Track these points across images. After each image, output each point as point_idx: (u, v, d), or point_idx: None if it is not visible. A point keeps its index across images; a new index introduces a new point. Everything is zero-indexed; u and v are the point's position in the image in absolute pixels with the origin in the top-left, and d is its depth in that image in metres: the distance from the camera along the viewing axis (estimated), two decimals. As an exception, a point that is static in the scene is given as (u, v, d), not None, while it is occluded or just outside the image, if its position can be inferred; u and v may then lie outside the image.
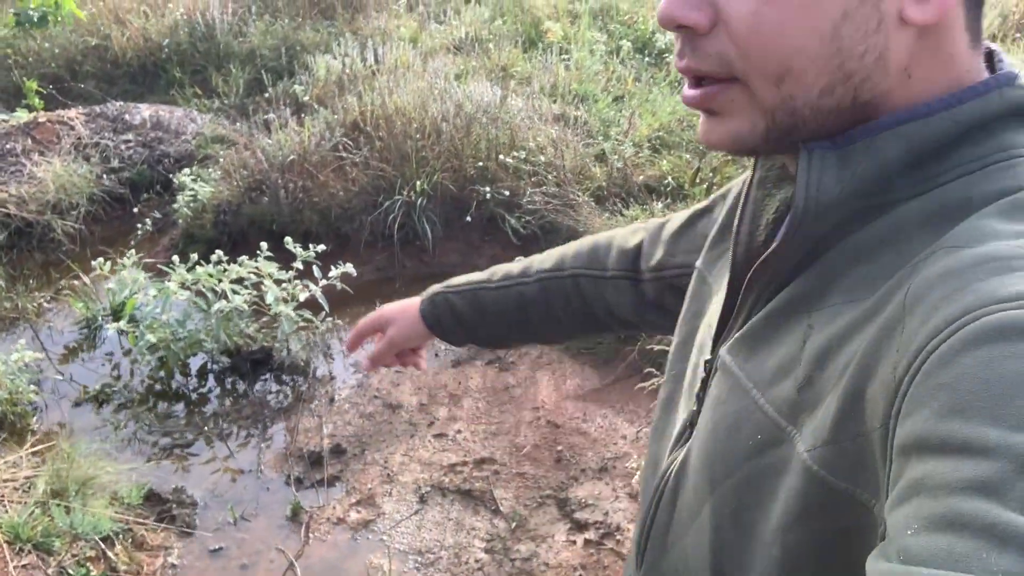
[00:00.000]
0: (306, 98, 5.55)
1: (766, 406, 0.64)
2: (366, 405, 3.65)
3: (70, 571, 2.62)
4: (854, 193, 0.61)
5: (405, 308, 1.27)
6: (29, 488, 2.91)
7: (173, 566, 2.89)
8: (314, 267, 3.84)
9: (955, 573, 0.42)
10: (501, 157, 4.66)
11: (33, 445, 3.37)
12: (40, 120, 5.44)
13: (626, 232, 1.15)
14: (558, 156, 4.66)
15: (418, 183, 4.62)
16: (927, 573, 0.43)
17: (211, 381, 3.91)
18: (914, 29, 0.59)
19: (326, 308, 3.83)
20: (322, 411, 3.63)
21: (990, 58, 0.66)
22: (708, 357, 0.77)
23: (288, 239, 3.94)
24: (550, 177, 4.60)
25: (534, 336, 1.28)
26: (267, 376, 3.91)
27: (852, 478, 0.55)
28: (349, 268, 3.81)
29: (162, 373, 3.87)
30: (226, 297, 3.80)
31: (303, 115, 5.28)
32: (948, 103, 0.60)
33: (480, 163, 4.69)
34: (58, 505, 2.70)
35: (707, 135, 0.67)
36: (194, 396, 3.84)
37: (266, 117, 5.15)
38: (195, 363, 3.96)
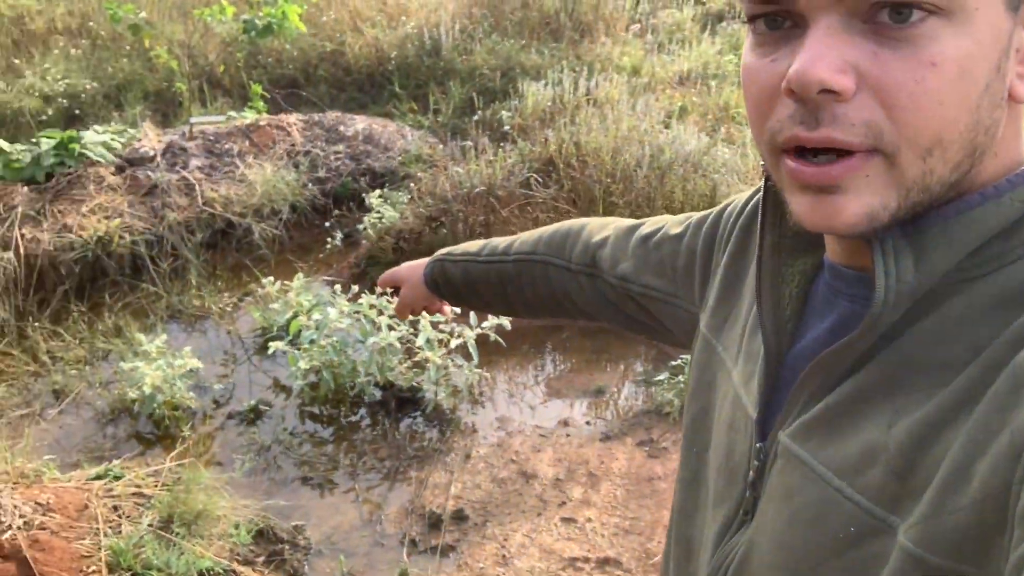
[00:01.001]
0: (506, 127, 5.43)
1: (856, 496, 0.60)
2: (500, 468, 3.44)
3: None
4: (928, 280, 0.60)
5: (414, 269, 1.38)
6: (150, 508, 2.94)
7: (268, 615, 2.82)
8: (471, 312, 3.70)
9: None
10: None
11: (180, 456, 3.45)
12: (260, 123, 5.68)
13: (595, 226, 1.16)
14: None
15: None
16: None
17: (361, 412, 3.86)
18: (1007, 106, 0.59)
19: (475, 358, 3.66)
20: (455, 467, 3.47)
21: None
22: (759, 443, 0.72)
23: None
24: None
25: (512, 309, 1.35)
26: (412, 416, 3.80)
27: (953, 553, 0.53)
28: (504, 321, 3.62)
29: (314, 396, 3.87)
30: (383, 331, 3.74)
31: (503, 144, 5.16)
32: (1014, 184, 0.60)
33: (672, 216, 4.35)
34: (160, 537, 2.69)
35: (833, 217, 0.58)
36: (344, 423, 3.81)
37: (462, 144, 5.07)
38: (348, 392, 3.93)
